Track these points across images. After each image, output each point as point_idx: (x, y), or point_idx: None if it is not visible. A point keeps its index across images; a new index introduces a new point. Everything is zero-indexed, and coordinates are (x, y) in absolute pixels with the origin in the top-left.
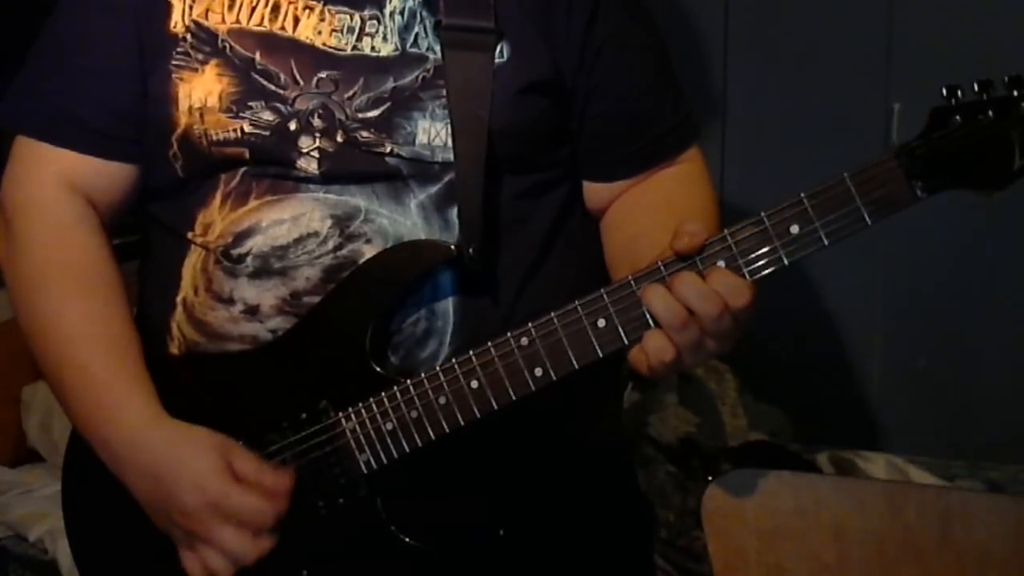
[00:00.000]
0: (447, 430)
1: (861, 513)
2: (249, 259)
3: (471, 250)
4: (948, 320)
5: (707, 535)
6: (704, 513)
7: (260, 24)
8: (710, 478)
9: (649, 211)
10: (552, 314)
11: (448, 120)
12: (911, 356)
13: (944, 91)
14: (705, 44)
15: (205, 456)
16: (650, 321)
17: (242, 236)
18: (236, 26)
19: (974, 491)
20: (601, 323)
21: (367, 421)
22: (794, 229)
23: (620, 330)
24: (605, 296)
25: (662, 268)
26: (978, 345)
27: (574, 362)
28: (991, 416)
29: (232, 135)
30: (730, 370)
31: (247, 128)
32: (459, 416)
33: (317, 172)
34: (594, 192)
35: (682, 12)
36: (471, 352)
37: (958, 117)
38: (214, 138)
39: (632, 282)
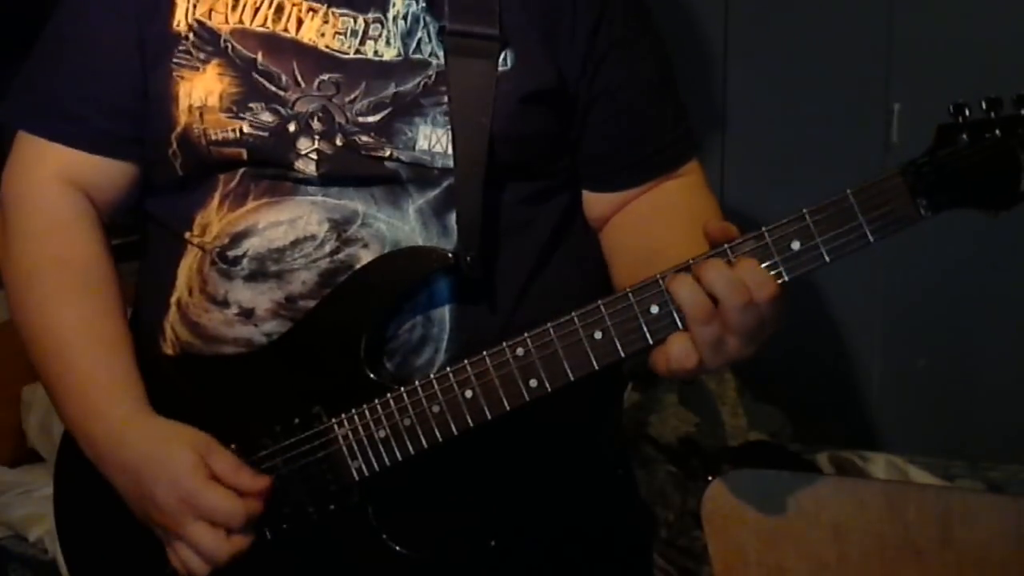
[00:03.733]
0: (440, 439)
1: (861, 513)
2: (245, 261)
3: (469, 257)
4: (948, 320)
5: (707, 535)
6: (704, 513)
7: (263, 25)
8: (710, 478)
9: (666, 222)
10: (548, 325)
11: (449, 127)
12: (911, 356)
13: (951, 108)
14: (705, 45)
15: (181, 453)
16: (647, 335)
17: (238, 237)
18: (239, 26)
19: (974, 491)
20: (598, 335)
21: (360, 428)
22: (795, 245)
23: (616, 343)
24: (603, 308)
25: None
26: (978, 345)
27: (569, 374)
28: (991, 416)
29: (231, 135)
30: (730, 370)
31: (246, 129)
32: (452, 425)
33: (315, 174)
34: (594, 202)
35: (682, 13)
36: (466, 361)
37: (965, 135)
38: (213, 137)
39: (630, 294)
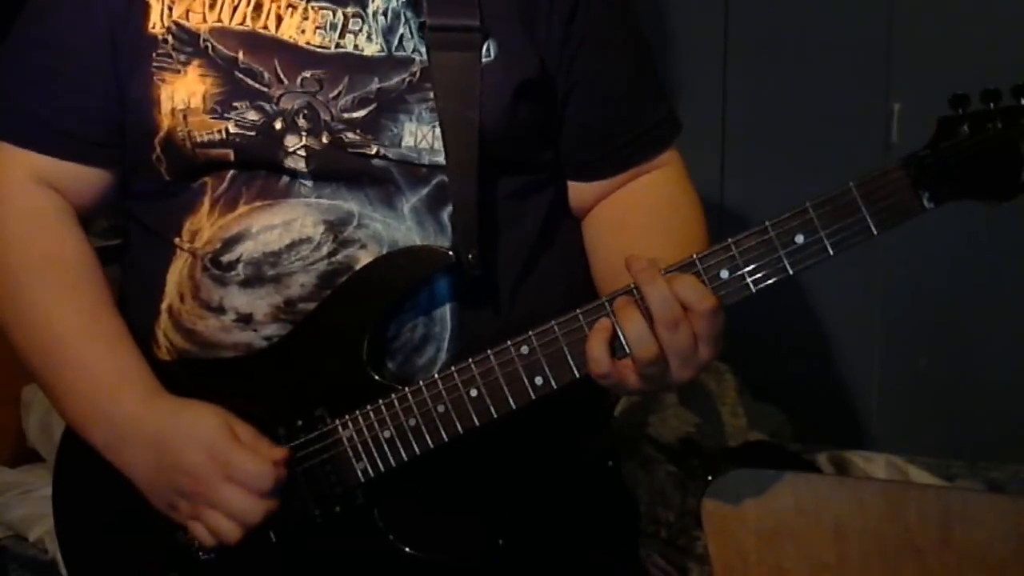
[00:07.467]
0: (445, 439)
1: (861, 513)
2: (240, 266)
3: (470, 256)
4: (948, 320)
5: (707, 535)
6: (704, 513)
7: (242, 23)
8: (710, 478)
9: (638, 223)
10: (553, 322)
11: (435, 123)
12: (911, 356)
13: (951, 101)
14: (705, 44)
15: (210, 419)
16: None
17: (231, 242)
18: (218, 25)
19: (974, 491)
20: None
21: (364, 429)
22: (799, 238)
23: (623, 338)
24: (607, 304)
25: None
26: (978, 345)
27: (575, 371)
28: (991, 416)
29: (217, 136)
30: (730, 370)
31: (232, 128)
32: (458, 425)
33: (306, 170)
34: (577, 192)
35: (682, 12)
36: (470, 360)
37: (966, 127)
38: (198, 139)
39: (633, 289)
